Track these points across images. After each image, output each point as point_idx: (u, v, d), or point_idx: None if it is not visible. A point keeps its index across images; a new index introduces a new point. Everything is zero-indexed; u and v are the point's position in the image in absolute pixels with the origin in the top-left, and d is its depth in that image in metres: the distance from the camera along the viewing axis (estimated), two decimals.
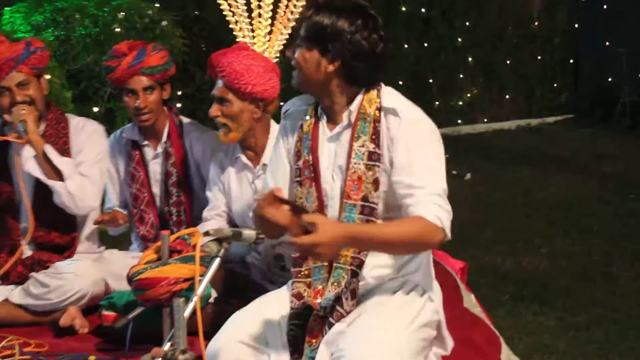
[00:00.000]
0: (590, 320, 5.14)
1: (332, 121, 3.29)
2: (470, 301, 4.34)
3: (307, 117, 3.32)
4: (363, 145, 3.19)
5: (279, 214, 3.02)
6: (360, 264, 3.16)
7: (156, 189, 4.68)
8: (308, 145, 3.29)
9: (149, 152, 4.68)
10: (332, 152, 3.26)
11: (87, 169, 4.50)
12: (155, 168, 4.67)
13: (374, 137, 3.18)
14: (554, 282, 5.89)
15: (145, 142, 4.67)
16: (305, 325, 3.14)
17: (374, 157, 3.17)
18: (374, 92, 3.24)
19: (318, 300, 3.16)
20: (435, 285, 3.35)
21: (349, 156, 3.20)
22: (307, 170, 3.28)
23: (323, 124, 3.29)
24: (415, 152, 3.10)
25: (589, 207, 7.92)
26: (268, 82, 4.15)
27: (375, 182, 3.16)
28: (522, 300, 5.50)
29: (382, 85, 3.27)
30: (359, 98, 3.23)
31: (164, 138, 4.64)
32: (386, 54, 3.20)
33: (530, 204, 8.16)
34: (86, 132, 4.60)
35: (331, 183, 3.25)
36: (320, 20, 3.15)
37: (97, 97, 8.54)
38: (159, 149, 4.65)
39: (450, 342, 3.32)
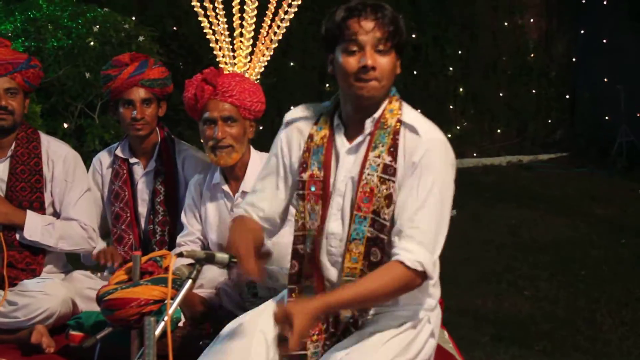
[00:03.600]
0: None
1: (352, 132, 3.28)
2: (442, 337, 4.50)
3: (320, 129, 3.33)
4: (379, 156, 3.20)
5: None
6: None
7: (142, 208, 4.83)
8: (320, 160, 3.28)
9: (138, 170, 4.86)
10: (350, 164, 3.26)
11: (76, 209, 4.68)
12: (143, 186, 4.84)
13: (392, 149, 3.20)
14: (536, 325, 6.08)
15: (135, 160, 4.85)
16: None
17: (389, 171, 3.19)
18: (396, 103, 3.26)
19: (313, 346, 3.22)
20: (438, 312, 3.44)
21: (363, 166, 3.21)
22: (313, 186, 3.28)
23: (341, 137, 3.29)
24: (425, 191, 3.14)
25: (578, 251, 8.07)
26: (264, 103, 4.45)
27: (388, 198, 3.18)
28: (501, 343, 5.68)
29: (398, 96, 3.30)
30: (382, 106, 3.25)
31: (155, 155, 4.81)
32: None
33: (516, 245, 8.32)
34: (65, 163, 4.73)
35: (343, 194, 3.25)
36: (395, 18, 3.17)
37: (67, 113, 8.61)
38: (150, 167, 4.82)
39: None
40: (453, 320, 5.27)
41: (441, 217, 3.16)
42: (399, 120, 3.23)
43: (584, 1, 13.32)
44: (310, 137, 3.33)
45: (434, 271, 3.15)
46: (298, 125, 3.40)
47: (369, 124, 3.24)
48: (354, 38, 3.12)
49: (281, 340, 3.03)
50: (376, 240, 3.20)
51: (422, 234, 3.11)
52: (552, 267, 7.53)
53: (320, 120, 3.34)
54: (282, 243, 3.76)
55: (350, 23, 3.13)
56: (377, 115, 3.24)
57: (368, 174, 3.20)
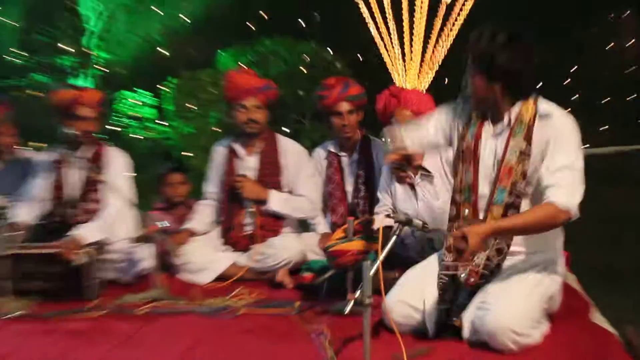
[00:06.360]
0: None
1: (496, 121, 3.44)
2: (570, 277, 4.36)
3: (474, 118, 3.48)
4: (517, 144, 3.33)
5: None
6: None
7: (349, 188, 5.03)
8: (473, 136, 3.44)
9: (345, 160, 5.07)
10: (494, 146, 3.41)
11: (304, 188, 4.91)
12: (349, 172, 5.05)
13: (526, 138, 3.32)
14: None
15: (343, 153, 5.07)
16: (454, 275, 3.37)
17: (524, 154, 3.31)
18: (531, 101, 3.37)
19: (463, 269, 3.36)
20: (561, 257, 3.54)
21: (505, 151, 3.36)
22: (468, 153, 3.45)
23: (489, 124, 3.45)
24: (564, 155, 3.24)
25: None
26: (434, 108, 4.38)
27: (524, 174, 3.32)
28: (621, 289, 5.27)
29: (540, 96, 3.41)
30: (518, 105, 3.38)
31: (357, 150, 5.03)
32: (534, 72, 3.34)
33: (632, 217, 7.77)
34: (297, 155, 4.96)
35: (490, 169, 3.40)
36: (482, 49, 3.28)
37: (286, 121, 9.02)
38: (353, 158, 5.04)
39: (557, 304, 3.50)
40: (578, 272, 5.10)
41: (579, 172, 3.24)
42: (534, 115, 3.34)
43: None
44: (469, 119, 3.50)
45: (576, 213, 3.21)
46: (464, 109, 3.56)
47: (506, 118, 3.38)
48: None
49: (456, 252, 3.15)
50: (513, 204, 3.34)
51: (566, 185, 3.21)
52: None
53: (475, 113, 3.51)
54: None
55: None
56: (513, 113, 3.37)
57: (509, 158, 3.34)
